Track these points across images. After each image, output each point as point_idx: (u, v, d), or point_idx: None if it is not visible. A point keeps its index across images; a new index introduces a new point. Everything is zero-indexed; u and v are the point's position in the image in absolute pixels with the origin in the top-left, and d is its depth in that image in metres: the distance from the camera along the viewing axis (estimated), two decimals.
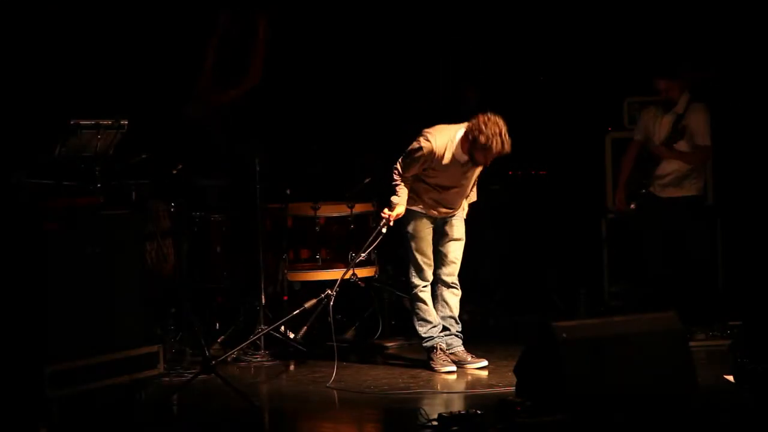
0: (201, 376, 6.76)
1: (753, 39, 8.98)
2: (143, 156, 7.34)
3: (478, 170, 7.31)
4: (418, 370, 7.34)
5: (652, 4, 9.27)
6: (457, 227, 7.41)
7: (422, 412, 6.00)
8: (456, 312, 7.45)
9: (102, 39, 8.61)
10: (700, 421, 5.87)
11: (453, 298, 7.44)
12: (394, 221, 7.25)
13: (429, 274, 7.38)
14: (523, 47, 9.62)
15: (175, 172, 7.72)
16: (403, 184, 7.20)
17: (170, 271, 7.91)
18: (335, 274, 7.83)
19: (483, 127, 6.89)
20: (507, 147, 6.93)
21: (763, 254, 8.86)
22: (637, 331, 5.96)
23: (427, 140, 7.07)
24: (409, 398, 6.65)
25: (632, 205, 8.22)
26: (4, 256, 6.12)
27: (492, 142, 6.88)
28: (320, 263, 8.05)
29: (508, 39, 9.64)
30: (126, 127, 6.68)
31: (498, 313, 9.20)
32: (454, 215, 7.40)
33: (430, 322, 7.39)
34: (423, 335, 7.39)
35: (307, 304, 7.27)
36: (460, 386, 7.07)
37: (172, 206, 7.86)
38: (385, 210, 7.22)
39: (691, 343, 6.55)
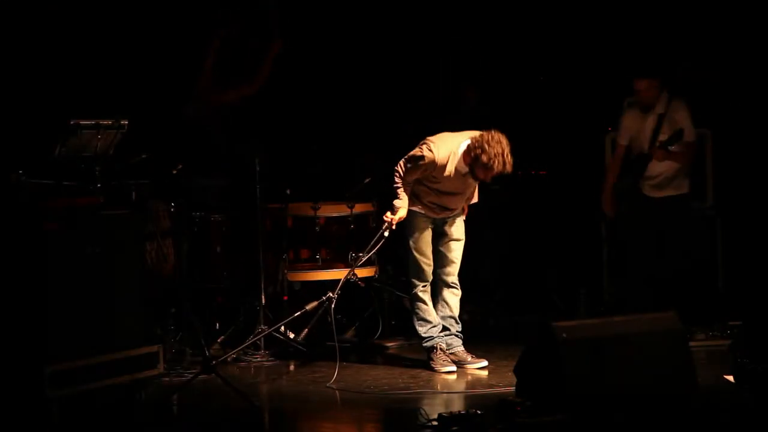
0: (201, 376, 6.75)
1: (753, 39, 8.98)
2: (143, 156, 7.34)
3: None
4: (418, 370, 7.34)
5: (652, 4, 9.27)
6: (457, 227, 7.42)
7: (422, 412, 6.01)
8: (456, 312, 7.45)
9: (102, 39, 8.61)
10: (700, 421, 5.87)
11: (453, 298, 7.44)
12: (396, 224, 7.25)
13: (429, 274, 7.38)
14: (523, 47, 9.62)
15: (175, 172, 7.72)
16: (404, 187, 7.20)
17: (170, 271, 7.91)
18: (335, 274, 7.85)
19: (486, 146, 6.88)
20: (508, 167, 6.94)
21: (763, 254, 8.87)
22: (637, 331, 5.96)
23: (430, 150, 7.06)
24: (409, 398, 6.65)
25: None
26: (4, 256, 6.12)
27: (494, 163, 6.89)
28: (320, 263, 8.06)
29: (508, 39, 9.64)
30: (126, 127, 6.69)
31: (498, 313, 9.20)
32: (453, 215, 7.40)
33: (430, 322, 7.39)
34: (423, 335, 7.39)
35: (308, 307, 7.28)
36: (460, 386, 7.07)
37: (172, 206, 7.86)
38: (388, 213, 7.22)
39: (691, 343, 6.56)
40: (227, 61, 8.81)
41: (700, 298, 8.48)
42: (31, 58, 8.18)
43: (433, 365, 7.33)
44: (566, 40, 9.48)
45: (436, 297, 7.45)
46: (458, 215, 7.43)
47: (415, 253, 7.34)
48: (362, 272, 7.67)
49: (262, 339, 7.70)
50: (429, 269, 7.38)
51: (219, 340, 7.91)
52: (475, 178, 7.11)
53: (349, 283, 7.39)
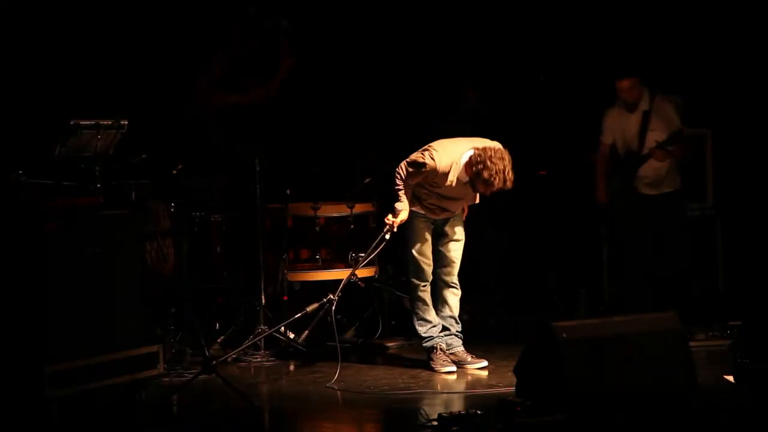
0: (201, 376, 6.75)
1: (753, 39, 8.98)
2: (143, 156, 7.34)
3: None
4: (418, 370, 7.34)
5: (652, 4, 9.27)
6: (457, 228, 7.42)
7: (422, 412, 6.00)
8: (456, 312, 7.45)
9: (102, 39, 8.61)
10: (700, 421, 5.87)
11: (453, 298, 7.44)
12: (397, 226, 7.25)
13: (429, 274, 7.38)
14: (523, 47, 9.62)
15: (175, 172, 7.72)
16: (405, 189, 7.20)
17: (170, 271, 7.91)
18: (335, 274, 7.85)
19: (488, 162, 6.88)
20: (509, 184, 6.94)
21: (763, 254, 8.87)
22: (637, 331, 5.96)
23: (432, 158, 7.06)
24: (409, 398, 6.64)
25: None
26: (4, 256, 6.12)
27: (495, 180, 6.90)
28: (320, 263, 8.05)
29: (508, 39, 9.64)
30: (126, 127, 6.69)
31: (498, 313, 9.19)
32: (453, 216, 7.40)
33: (430, 322, 7.39)
34: (423, 335, 7.39)
35: (309, 308, 7.28)
36: (460, 386, 7.07)
37: (172, 206, 7.86)
38: (389, 216, 7.21)
39: (691, 343, 6.56)
40: (230, 62, 8.81)
41: (700, 299, 8.50)
42: (31, 58, 8.17)
43: (433, 365, 7.33)
44: (566, 40, 9.48)
45: (436, 297, 7.45)
46: (458, 216, 7.43)
47: (415, 254, 7.34)
48: (362, 272, 7.67)
49: (262, 339, 7.70)
50: (429, 269, 7.38)
51: (219, 340, 7.91)
52: (475, 190, 7.12)
53: (349, 284, 7.39)
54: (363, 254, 7.51)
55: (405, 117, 9.61)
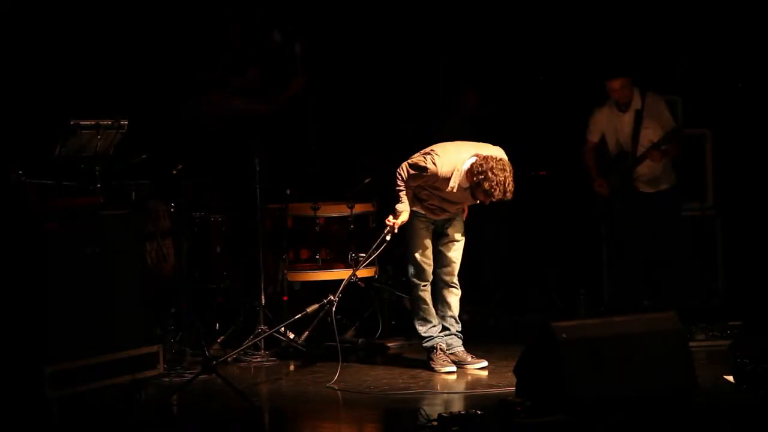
0: (201, 376, 6.75)
1: (753, 39, 8.98)
2: (143, 156, 7.34)
3: None
4: (418, 370, 7.34)
5: (652, 4, 9.27)
6: (457, 228, 7.42)
7: (422, 412, 6.00)
8: (456, 312, 7.45)
9: (102, 39, 8.61)
10: (700, 421, 5.88)
11: (453, 297, 7.44)
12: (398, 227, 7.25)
13: (429, 273, 7.38)
14: (523, 47, 9.61)
15: (175, 172, 7.72)
16: (406, 190, 7.19)
17: (170, 271, 7.91)
18: (335, 274, 7.85)
19: (489, 173, 6.87)
20: (509, 195, 6.94)
21: (763, 254, 8.88)
22: (637, 331, 5.97)
23: (434, 163, 7.05)
24: (409, 398, 6.64)
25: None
26: (4, 256, 6.12)
27: (495, 191, 6.90)
28: (320, 263, 8.05)
29: (508, 39, 9.63)
30: (126, 127, 6.69)
31: (498, 313, 9.19)
32: (453, 216, 7.40)
33: (430, 322, 7.39)
34: (423, 335, 7.39)
35: (309, 309, 7.28)
36: (460, 386, 7.07)
37: (172, 206, 7.86)
38: (390, 218, 7.21)
39: (691, 343, 6.56)
40: (233, 65, 8.82)
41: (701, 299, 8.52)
42: (31, 58, 8.17)
43: (433, 365, 7.33)
44: (566, 40, 9.48)
45: (436, 297, 7.45)
46: (458, 216, 7.43)
47: (416, 254, 7.34)
48: (362, 272, 7.66)
49: (262, 339, 7.70)
50: (429, 269, 7.38)
51: (219, 340, 7.91)
52: (475, 198, 7.11)
53: (349, 284, 7.39)
54: (363, 254, 7.50)
55: (405, 117, 9.61)
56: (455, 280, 7.43)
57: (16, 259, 6.12)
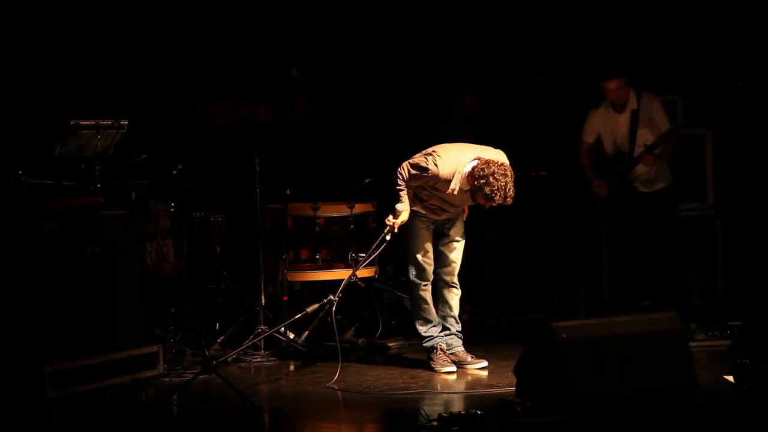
0: (201, 376, 6.75)
1: (753, 39, 8.98)
2: (143, 156, 7.34)
3: None
4: (418, 370, 7.34)
5: (652, 5, 9.27)
6: (457, 228, 7.42)
7: (422, 412, 6.00)
8: (456, 311, 7.45)
9: (102, 39, 8.61)
10: (700, 421, 5.88)
11: (453, 297, 7.44)
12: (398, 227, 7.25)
13: (429, 273, 7.38)
14: (524, 47, 9.61)
15: (175, 172, 7.72)
16: (406, 190, 7.19)
17: (170, 271, 7.91)
18: (335, 274, 7.85)
19: (490, 178, 6.86)
20: (509, 200, 6.94)
21: (763, 254, 8.88)
22: (637, 331, 5.96)
23: (435, 165, 7.05)
24: (409, 398, 6.64)
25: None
26: (4, 256, 6.12)
27: (496, 196, 6.90)
28: (320, 263, 8.05)
29: (508, 39, 9.63)
30: (126, 127, 6.69)
31: (498, 313, 9.19)
32: (454, 216, 7.40)
33: (431, 322, 7.39)
34: (423, 334, 7.39)
35: (309, 309, 7.28)
36: (460, 386, 7.07)
37: (172, 206, 7.86)
38: (390, 217, 7.20)
39: (691, 343, 6.56)
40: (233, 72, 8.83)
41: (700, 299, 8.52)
42: (32, 58, 8.17)
43: (433, 365, 7.33)
44: (566, 40, 9.48)
45: (437, 297, 7.45)
46: (458, 216, 7.43)
47: (416, 254, 7.34)
48: (362, 272, 7.66)
49: (262, 339, 7.70)
50: (430, 269, 7.38)
51: (219, 340, 7.91)
52: (475, 201, 7.11)
53: (349, 284, 7.39)
54: (363, 254, 7.50)
55: (405, 117, 9.61)
56: (455, 280, 7.43)
57: (16, 259, 6.12)
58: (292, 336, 7.72)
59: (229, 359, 7.42)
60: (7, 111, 7.80)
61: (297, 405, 6.70)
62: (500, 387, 6.72)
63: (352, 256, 7.96)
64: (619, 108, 8.23)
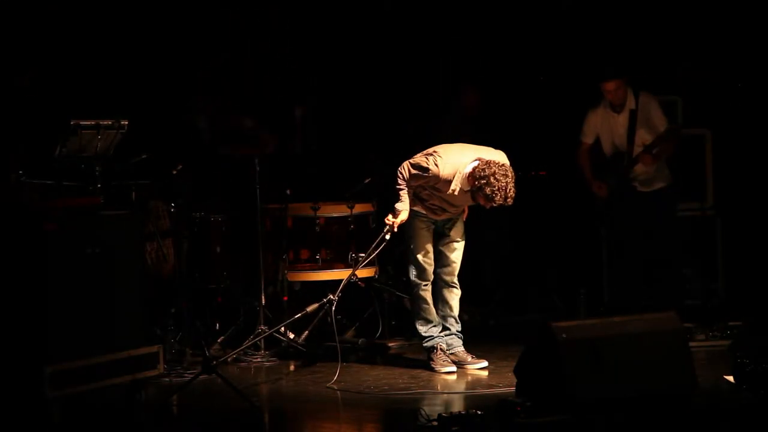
0: (201, 376, 6.75)
1: (753, 39, 8.98)
2: (143, 156, 7.34)
3: None
4: (419, 371, 7.34)
5: (652, 5, 9.27)
6: (458, 228, 7.42)
7: (422, 412, 6.00)
8: (456, 311, 7.45)
9: (102, 39, 8.61)
10: (700, 421, 5.88)
11: (453, 297, 7.44)
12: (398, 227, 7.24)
13: (430, 273, 7.38)
14: (524, 47, 9.62)
15: (175, 172, 7.72)
16: (407, 189, 7.19)
17: (170, 271, 7.91)
18: (335, 274, 7.85)
19: (491, 179, 6.87)
20: (510, 201, 6.95)
21: (763, 254, 8.88)
22: (637, 331, 5.96)
23: (436, 165, 7.05)
24: (409, 399, 6.64)
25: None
26: (4, 256, 6.12)
27: (496, 196, 6.90)
28: (320, 263, 8.05)
29: (508, 39, 9.64)
30: (126, 128, 6.69)
31: (498, 313, 9.19)
32: (454, 216, 7.41)
33: (431, 322, 7.39)
34: (423, 334, 7.39)
35: (309, 309, 7.28)
36: (461, 387, 7.06)
37: (172, 206, 7.86)
38: (389, 217, 7.21)
39: (691, 343, 6.56)
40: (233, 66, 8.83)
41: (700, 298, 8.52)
42: (32, 58, 8.17)
43: (433, 365, 7.33)
44: (566, 40, 9.48)
45: (437, 297, 7.45)
46: (458, 216, 7.43)
47: (416, 254, 7.34)
48: (362, 272, 7.67)
49: (262, 339, 7.70)
50: (430, 269, 7.38)
51: (219, 340, 7.91)
52: (475, 201, 7.11)
53: (349, 284, 7.39)
54: (363, 254, 7.50)
55: (405, 117, 9.61)
56: (455, 280, 7.43)
57: (16, 259, 6.12)
58: (292, 336, 7.73)
59: (229, 359, 7.42)
60: (7, 111, 7.80)
61: (297, 405, 6.70)
62: (500, 387, 6.72)
63: (352, 256, 7.96)
64: (617, 108, 8.24)
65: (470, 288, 8.05)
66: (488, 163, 6.94)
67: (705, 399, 6.11)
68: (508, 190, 6.90)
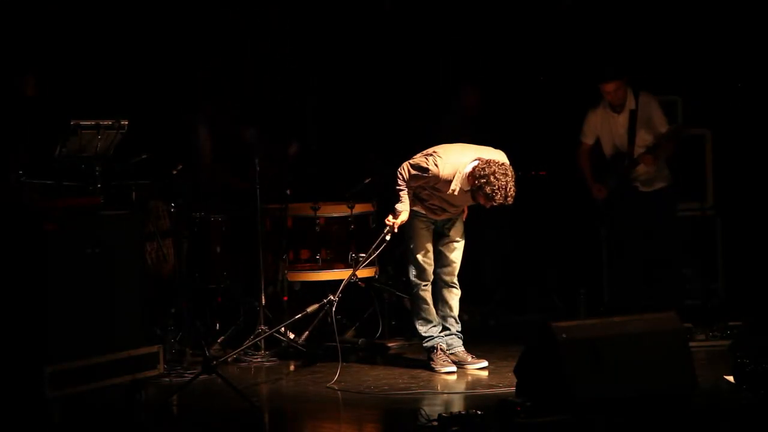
0: (201, 376, 6.75)
1: (753, 39, 8.99)
2: (143, 156, 7.34)
3: None
4: (419, 371, 7.34)
5: (652, 5, 9.27)
6: (458, 228, 7.42)
7: (422, 412, 6.01)
8: (456, 311, 7.45)
9: (102, 39, 8.62)
10: (700, 421, 5.88)
11: (453, 297, 7.44)
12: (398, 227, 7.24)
13: (430, 274, 7.38)
14: (524, 47, 9.62)
15: (175, 172, 7.72)
16: (406, 190, 7.19)
17: (170, 271, 7.91)
18: (335, 274, 7.85)
19: (491, 178, 6.87)
20: (510, 200, 6.95)
21: (763, 254, 8.88)
22: (637, 331, 5.96)
23: (435, 165, 7.05)
24: (409, 399, 6.64)
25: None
26: (4, 256, 6.12)
27: (496, 195, 6.90)
28: (320, 263, 8.05)
29: (508, 39, 9.64)
30: (126, 128, 6.69)
31: (498, 313, 9.19)
32: (454, 217, 7.40)
33: (431, 322, 7.39)
34: (423, 334, 7.39)
35: (309, 309, 7.28)
36: (461, 387, 7.06)
37: (172, 206, 7.86)
38: (389, 217, 7.20)
39: (691, 343, 6.56)
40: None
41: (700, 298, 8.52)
42: (32, 58, 8.17)
43: (433, 365, 7.33)
44: (566, 40, 9.48)
45: (436, 297, 7.45)
46: (458, 216, 7.43)
47: (416, 254, 7.34)
48: (362, 273, 7.66)
49: (262, 339, 7.70)
50: (430, 269, 7.38)
51: (219, 340, 7.91)
52: (475, 200, 7.11)
53: (349, 284, 7.39)
54: (363, 254, 7.50)
55: (405, 117, 9.61)
56: (455, 280, 7.43)
57: (16, 259, 6.12)
58: (292, 336, 7.73)
59: (229, 359, 7.42)
60: (7, 111, 7.80)
61: (297, 405, 6.70)
62: (500, 387, 6.72)
63: (352, 256, 7.96)
64: (617, 109, 8.24)
65: (470, 288, 8.05)
66: (488, 162, 6.94)
67: (705, 399, 6.12)
68: (508, 189, 6.91)
